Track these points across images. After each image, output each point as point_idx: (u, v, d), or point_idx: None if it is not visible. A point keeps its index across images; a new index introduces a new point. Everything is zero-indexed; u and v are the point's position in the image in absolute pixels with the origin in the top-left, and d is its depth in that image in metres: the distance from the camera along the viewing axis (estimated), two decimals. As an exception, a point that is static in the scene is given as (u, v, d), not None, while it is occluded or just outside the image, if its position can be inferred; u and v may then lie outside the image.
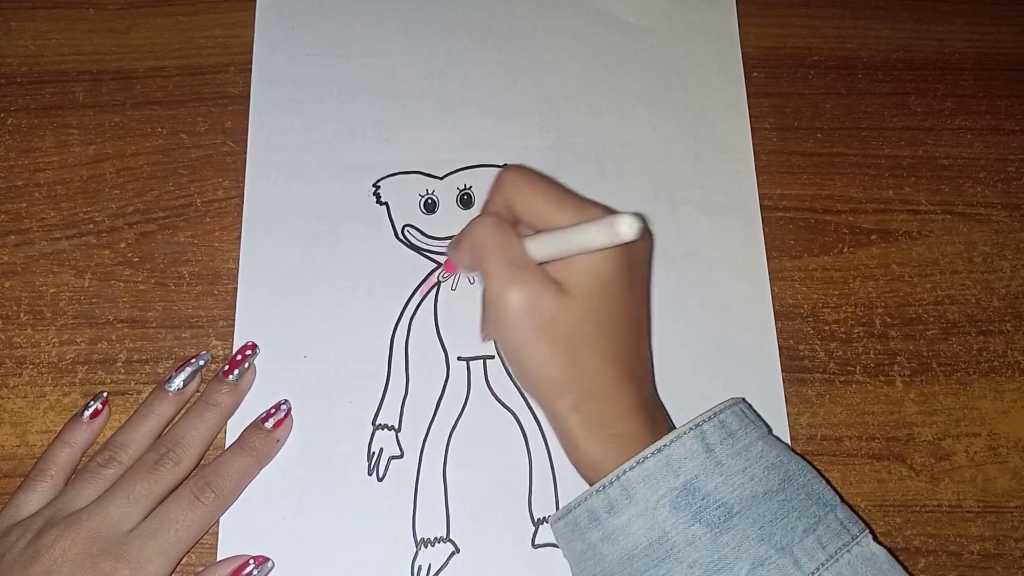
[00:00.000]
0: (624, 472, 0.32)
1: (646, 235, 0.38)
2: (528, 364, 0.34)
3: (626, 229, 0.30)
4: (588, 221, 0.32)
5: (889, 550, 0.33)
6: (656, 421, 0.35)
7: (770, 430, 0.35)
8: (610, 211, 0.34)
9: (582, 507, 0.33)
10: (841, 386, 0.43)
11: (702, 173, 0.46)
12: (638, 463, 0.32)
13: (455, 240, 0.38)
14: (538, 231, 0.35)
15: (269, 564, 0.37)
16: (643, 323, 0.37)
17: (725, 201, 0.45)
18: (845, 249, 0.45)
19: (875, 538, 0.33)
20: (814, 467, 0.34)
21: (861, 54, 0.49)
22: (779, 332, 0.43)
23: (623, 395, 0.34)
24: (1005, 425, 0.43)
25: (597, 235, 0.31)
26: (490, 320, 0.35)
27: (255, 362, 0.41)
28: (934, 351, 0.44)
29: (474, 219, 0.36)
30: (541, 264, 0.34)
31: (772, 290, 0.44)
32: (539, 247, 0.34)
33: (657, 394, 0.38)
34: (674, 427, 0.37)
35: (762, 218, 0.45)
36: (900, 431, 0.42)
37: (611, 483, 0.32)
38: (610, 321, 0.34)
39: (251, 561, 0.37)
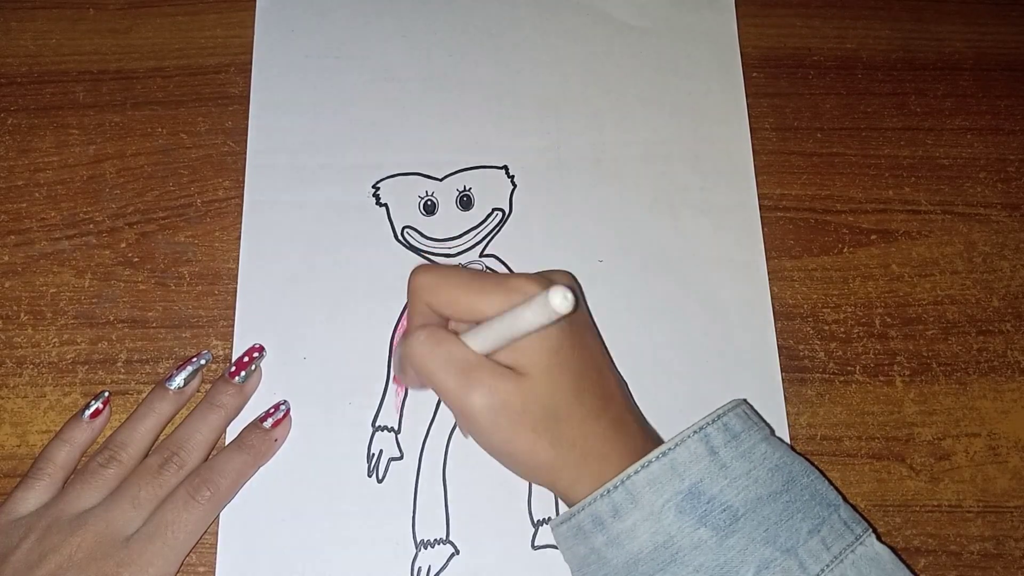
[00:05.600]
0: (629, 476, 0.32)
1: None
2: (517, 457, 0.33)
3: (560, 301, 0.28)
4: (522, 304, 0.30)
5: (893, 549, 0.33)
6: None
7: (772, 431, 0.35)
8: (533, 279, 0.33)
9: (586, 511, 0.32)
10: (841, 386, 0.43)
11: (701, 174, 0.46)
12: (643, 467, 0.32)
13: (398, 363, 0.36)
14: (473, 322, 0.33)
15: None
16: (604, 367, 0.35)
17: (724, 202, 0.45)
18: (845, 249, 0.45)
19: (879, 538, 0.33)
20: (816, 467, 0.34)
21: (861, 54, 0.49)
22: (779, 332, 0.43)
23: (616, 446, 0.33)
24: (1005, 425, 0.43)
25: (535, 317, 0.30)
26: (464, 427, 0.34)
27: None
28: (934, 351, 0.44)
29: (405, 338, 0.34)
30: (489, 355, 0.33)
31: (772, 290, 0.44)
32: (480, 341, 0.32)
33: (648, 425, 0.37)
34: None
35: (762, 218, 0.45)
36: (900, 431, 0.42)
37: (616, 487, 0.32)
38: (578, 382, 0.33)
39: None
